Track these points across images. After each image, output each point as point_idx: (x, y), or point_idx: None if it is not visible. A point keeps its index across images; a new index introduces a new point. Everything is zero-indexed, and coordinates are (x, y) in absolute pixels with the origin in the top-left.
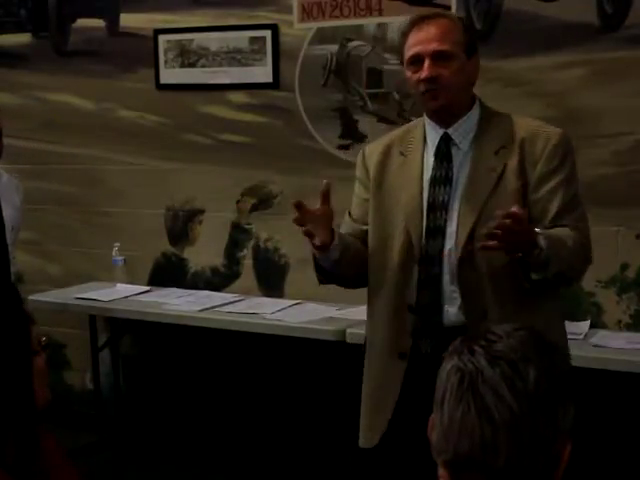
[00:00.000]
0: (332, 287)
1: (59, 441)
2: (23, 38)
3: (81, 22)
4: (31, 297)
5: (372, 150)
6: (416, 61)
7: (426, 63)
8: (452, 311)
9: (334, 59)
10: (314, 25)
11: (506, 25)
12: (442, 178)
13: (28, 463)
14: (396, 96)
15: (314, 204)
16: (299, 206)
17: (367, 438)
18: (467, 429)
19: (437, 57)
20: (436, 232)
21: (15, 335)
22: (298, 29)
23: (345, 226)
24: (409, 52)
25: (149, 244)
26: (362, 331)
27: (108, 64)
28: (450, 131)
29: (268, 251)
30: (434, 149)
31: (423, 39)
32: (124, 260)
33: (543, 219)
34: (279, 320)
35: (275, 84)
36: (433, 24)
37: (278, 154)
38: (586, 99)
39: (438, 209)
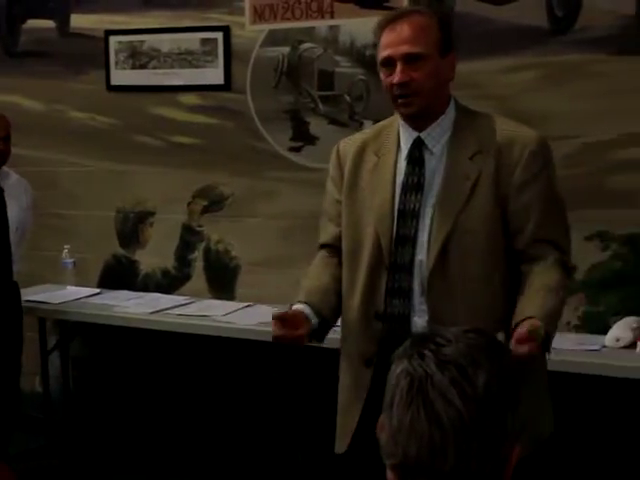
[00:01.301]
0: (283, 288)
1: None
2: None
3: (31, 23)
4: None
5: (347, 149)
6: (388, 64)
7: (398, 67)
8: (420, 323)
9: (285, 61)
10: (266, 27)
11: (456, 28)
12: (413, 185)
13: None
14: (347, 98)
15: (263, 207)
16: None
17: (338, 444)
18: (416, 433)
19: (409, 60)
20: (406, 240)
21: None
22: (250, 31)
23: (324, 230)
24: (381, 54)
25: (99, 246)
26: None
27: (58, 65)
28: (423, 135)
29: (219, 253)
30: (406, 152)
31: (394, 41)
32: (74, 262)
33: (522, 232)
34: (230, 323)
35: (226, 86)
36: (406, 23)
37: (229, 156)
38: (535, 102)
39: (409, 217)
